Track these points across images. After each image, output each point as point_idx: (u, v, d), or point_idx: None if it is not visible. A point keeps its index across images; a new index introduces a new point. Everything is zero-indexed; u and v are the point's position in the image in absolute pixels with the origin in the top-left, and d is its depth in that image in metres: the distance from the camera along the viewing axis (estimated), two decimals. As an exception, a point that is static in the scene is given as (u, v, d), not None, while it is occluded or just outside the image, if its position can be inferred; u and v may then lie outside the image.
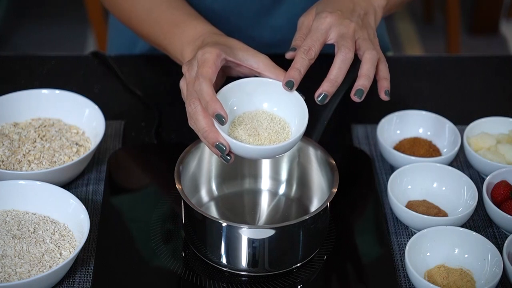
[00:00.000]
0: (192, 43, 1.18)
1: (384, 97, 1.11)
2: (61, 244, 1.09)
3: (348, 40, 1.10)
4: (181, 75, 1.46)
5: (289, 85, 1.07)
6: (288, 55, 1.13)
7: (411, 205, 1.17)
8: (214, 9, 1.36)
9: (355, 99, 1.09)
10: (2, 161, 1.19)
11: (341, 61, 1.09)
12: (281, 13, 1.43)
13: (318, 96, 1.07)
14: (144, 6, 1.29)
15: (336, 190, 1.08)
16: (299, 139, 1.06)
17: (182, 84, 1.12)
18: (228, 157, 1.05)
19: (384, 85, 1.12)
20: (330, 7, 1.13)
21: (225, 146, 1.04)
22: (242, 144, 1.04)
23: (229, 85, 1.10)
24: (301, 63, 1.08)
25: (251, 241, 1.05)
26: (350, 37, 1.10)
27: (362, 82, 1.09)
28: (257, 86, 1.10)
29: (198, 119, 1.05)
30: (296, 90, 1.08)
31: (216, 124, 1.04)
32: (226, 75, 1.16)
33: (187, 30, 1.21)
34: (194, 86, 1.06)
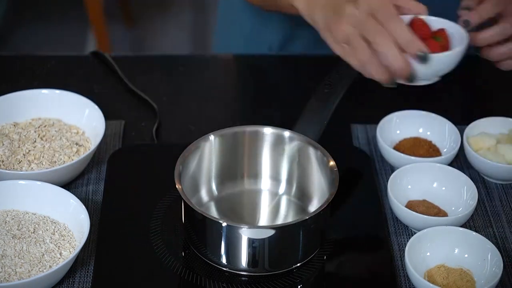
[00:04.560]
0: None
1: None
2: (61, 244, 1.09)
3: None
4: (181, 76, 1.46)
5: (466, 23, 1.14)
6: (462, 13, 1.16)
7: (411, 205, 1.17)
8: None
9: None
10: (2, 161, 1.19)
11: (500, 32, 1.17)
12: None
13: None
14: None
15: (336, 190, 1.08)
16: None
17: (347, 26, 1.08)
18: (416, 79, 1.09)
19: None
20: None
21: (416, 73, 1.08)
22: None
23: None
24: (485, 11, 1.15)
25: (251, 241, 1.05)
26: None
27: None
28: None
29: (393, 54, 1.05)
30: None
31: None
32: None
33: None
34: (389, 26, 1.06)
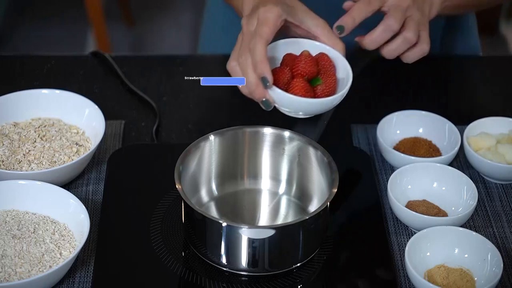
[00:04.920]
0: None
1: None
2: (61, 244, 1.09)
3: (400, 13, 1.12)
4: (181, 76, 1.46)
5: (339, 29, 1.11)
6: (346, 4, 1.14)
7: (411, 205, 1.17)
8: None
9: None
10: (2, 161, 1.19)
11: (384, 29, 1.12)
12: None
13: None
14: None
15: (336, 190, 1.08)
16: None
17: (239, 36, 1.12)
18: (270, 107, 1.09)
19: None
20: None
21: (270, 102, 1.08)
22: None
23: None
24: (358, 12, 1.11)
25: (251, 241, 1.05)
26: (403, 11, 1.13)
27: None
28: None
29: (248, 72, 1.07)
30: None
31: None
32: (282, 35, 1.15)
33: None
34: (250, 43, 1.08)
